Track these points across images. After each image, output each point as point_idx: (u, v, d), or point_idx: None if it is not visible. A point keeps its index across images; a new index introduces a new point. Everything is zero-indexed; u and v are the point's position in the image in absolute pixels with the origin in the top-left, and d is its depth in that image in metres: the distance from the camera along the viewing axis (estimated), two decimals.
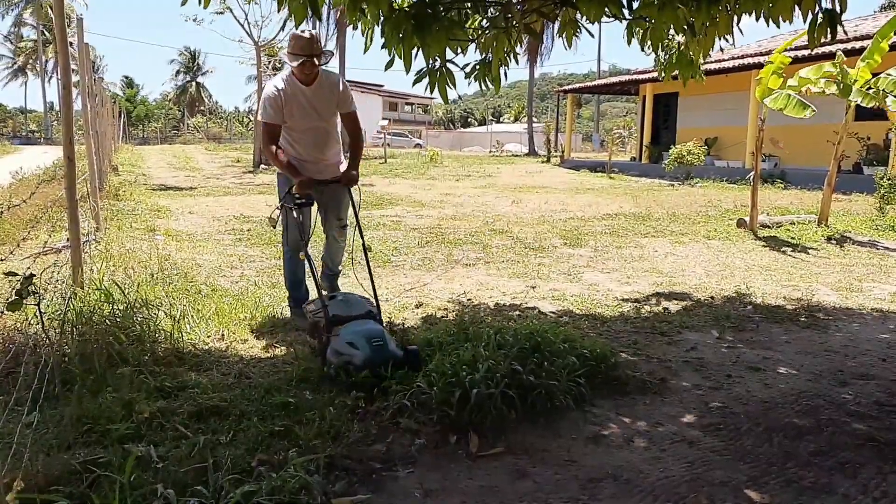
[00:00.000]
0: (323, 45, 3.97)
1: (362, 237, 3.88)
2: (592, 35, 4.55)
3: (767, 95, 8.03)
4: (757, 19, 3.46)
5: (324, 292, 3.85)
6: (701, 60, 4.45)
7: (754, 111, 16.29)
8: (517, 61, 4.10)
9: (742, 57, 19.41)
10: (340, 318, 3.43)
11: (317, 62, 3.88)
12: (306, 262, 3.84)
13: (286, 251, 4.43)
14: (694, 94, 20.27)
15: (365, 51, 3.35)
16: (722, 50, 4.10)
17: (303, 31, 3.78)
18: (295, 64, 3.84)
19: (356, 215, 3.97)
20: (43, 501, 2.03)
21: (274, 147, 4.00)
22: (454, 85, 3.45)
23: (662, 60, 4.57)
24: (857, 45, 12.14)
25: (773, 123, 9.68)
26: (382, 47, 3.34)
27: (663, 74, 4.76)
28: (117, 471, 2.13)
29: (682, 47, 4.39)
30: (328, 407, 2.82)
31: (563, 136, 30.45)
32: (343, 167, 4.25)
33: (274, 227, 3.97)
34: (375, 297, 3.74)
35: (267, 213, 4.01)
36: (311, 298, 4.09)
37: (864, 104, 7.73)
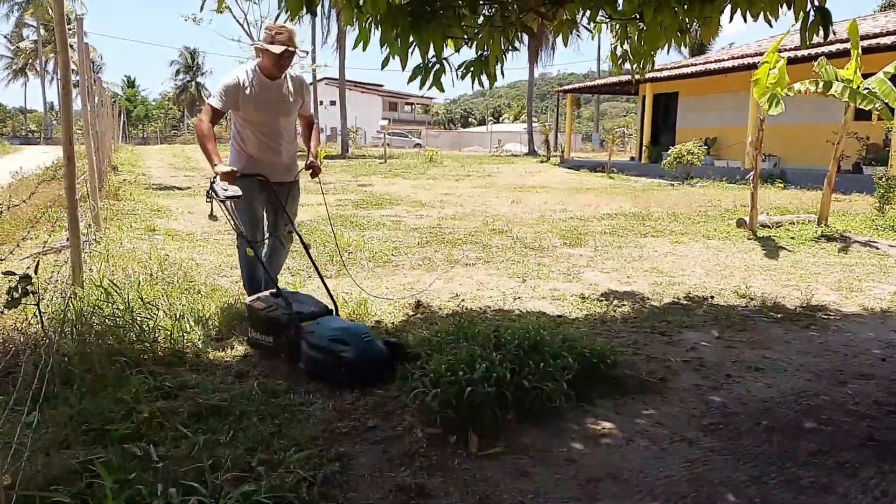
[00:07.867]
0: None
1: (300, 236, 4.08)
2: (591, 31, 4.45)
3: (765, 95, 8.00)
4: (755, 18, 3.44)
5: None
6: (651, 53, 4.34)
7: (754, 111, 16.27)
8: (517, 49, 4.06)
9: (742, 57, 19.42)
10: (305, 316, 3.41)
11: (296, 55, 3.94)
12: (256, 258, 3.89)
13: (241, 252, 4.35)
14: (694, 94, 20.30)
15: (354, 47, 3.31)
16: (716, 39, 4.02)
17: (285, 23, 3.85)
18: (276, 51, 3.83)
19: (293, 213, 4.29)
20: (42, 500, 2.03)
21: (208, 127, 3.86)
22: (442, 86, 3.46)
23: (617, 55, 4.46)
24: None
25: (773, 123, 9.67)
26: (381, 45, 3.32)
27: (615, 68, 4.63)
28: (115, 471, 2.13)
29: (636, 40, 4.23)
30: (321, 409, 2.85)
31: (563, 136, 30.45)
32: (297, 167, 4.32)
33: (215, 220, 3.83)
34: (329, 293, 3.83)
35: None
36: (257, 295, 3.87)
37: (862, 106, 7.72)
